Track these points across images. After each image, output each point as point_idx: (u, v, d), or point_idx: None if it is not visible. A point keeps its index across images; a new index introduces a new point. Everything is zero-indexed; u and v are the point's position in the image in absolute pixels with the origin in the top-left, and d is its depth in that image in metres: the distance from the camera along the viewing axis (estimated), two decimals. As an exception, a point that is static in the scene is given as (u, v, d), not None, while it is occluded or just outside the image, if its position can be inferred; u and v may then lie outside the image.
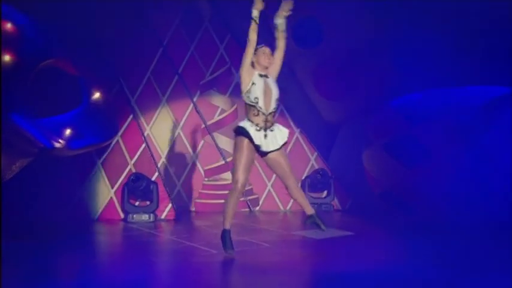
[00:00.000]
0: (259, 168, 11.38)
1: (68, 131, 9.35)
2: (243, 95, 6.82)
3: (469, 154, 9.02)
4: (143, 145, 10.61)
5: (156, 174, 10.41)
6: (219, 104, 11.77)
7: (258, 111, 6.76)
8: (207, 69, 11.78)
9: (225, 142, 11.60)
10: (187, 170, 11.43)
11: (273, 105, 6.83)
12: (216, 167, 11.56)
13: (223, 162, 11.56)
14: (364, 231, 8.99)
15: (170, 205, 10.21)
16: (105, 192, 10.24)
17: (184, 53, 11.70)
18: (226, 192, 6.99)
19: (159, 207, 10.04)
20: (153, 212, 9.91)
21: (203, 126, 11.60)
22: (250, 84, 6.75)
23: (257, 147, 6.73)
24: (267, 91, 6.80)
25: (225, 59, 11.82)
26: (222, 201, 11.30)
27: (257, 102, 6.74)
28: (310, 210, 6.95)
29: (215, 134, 11.61)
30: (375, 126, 10.33)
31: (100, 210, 10.14)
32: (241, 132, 6.74)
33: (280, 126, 6.94)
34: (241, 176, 6.70)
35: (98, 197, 10.19)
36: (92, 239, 8.57)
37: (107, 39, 10.72)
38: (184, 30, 11.62)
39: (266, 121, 6.78)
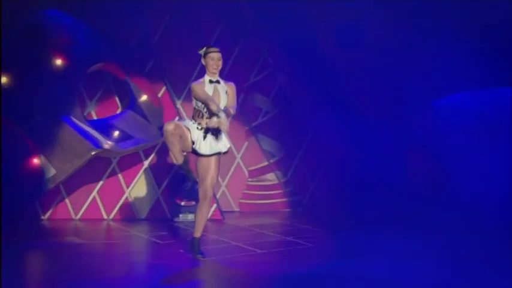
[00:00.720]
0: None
1: (116, 133, 9.60)
2: (193, 101, 6.96)
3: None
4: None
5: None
6: (263, 106, 11.90)
7: (203, 115, 6.89)
8: (251, 71, 11.92)
9: (268, 143, 11.74)
10: (232, 171, 11.60)
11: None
12: (259, 167, 11.71)
13: (266, 163, 11.70)
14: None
15: (215, 205, 10.38)
16: (152, 192, 10.46)
17: (229, 56, 11.84)
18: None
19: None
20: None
21: (247, 128, 11.75)
22: (199, 90, 6.87)
23: (192, 143, 6.81)
24: (215, 98, 6.88)
25: (269, 62, 11.94)
26: (267, 201, 11.50)
27: (204, 109, 6.87)
28: (196, 234, 7.12)
29: (259, 136, 11.75)
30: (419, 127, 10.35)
31: (147, 210, 10.36)
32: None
33: (225, 137, 6.98)
34: (169, 125, 6.78)
35: (146, 197, 10.41)
36: (141, 239, 8.77)
37: (153, 41, 10.94)
38: (228, 33, 11.77)
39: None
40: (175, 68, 11.03)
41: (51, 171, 9.24)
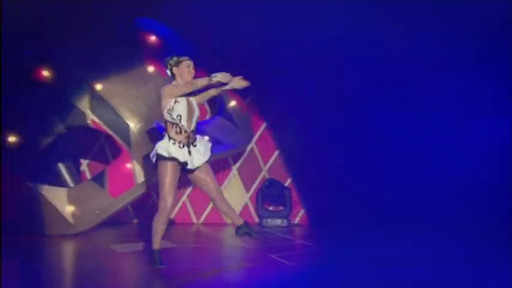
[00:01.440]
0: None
1: (206, 138, 9.72)
2: (164, 112, 6.63)
3: None
4: (276, 152, 10.84)
5: (289, 180, 10.62)
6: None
7: (180, 129, 6.65)
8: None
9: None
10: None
11: (194, 123, 6.73)
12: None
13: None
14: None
15: (303, 210, 10.38)
16: (241, 197, 10.56)
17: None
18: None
19: (292, 212, 10.24)
20: (286, 217, 10.11)
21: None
22: (173, 102, 6.61)
23: (183, 165, 6.62)
24: (189, 109, 6.69)
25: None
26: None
27: (180, 120, 6.64)
28: (239, 221, 6.85)
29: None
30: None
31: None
32: (161, 157, 6.60)
33: (202, 139, 6.85)
34: (169, 196, 6.57)
35: (234, 202, 10.51)
36: (232, 243, 8.85)
37: (240, 46, 11.01)
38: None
39: (188, 138, 6.67)
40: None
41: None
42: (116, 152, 9.76)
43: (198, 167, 6.70)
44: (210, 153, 6.81)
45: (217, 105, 10.32)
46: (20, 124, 9.15)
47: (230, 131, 9.98)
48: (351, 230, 9.28)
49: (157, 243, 6.70)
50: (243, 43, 9.73)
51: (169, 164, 6.55)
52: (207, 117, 10.45)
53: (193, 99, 6.76)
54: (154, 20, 9.88)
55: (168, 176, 6.55)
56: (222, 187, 10.50)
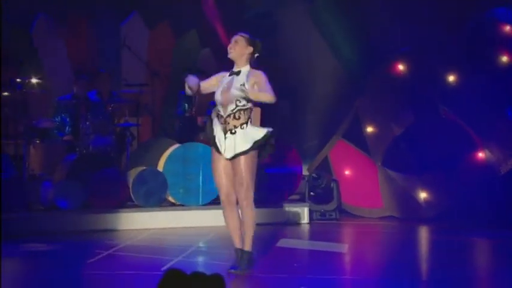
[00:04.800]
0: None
1: (257, 128, 9.69)
2: None
3: None
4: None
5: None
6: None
7: (218, 112, 5.94)
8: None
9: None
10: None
11: (230, 107, 5.87)
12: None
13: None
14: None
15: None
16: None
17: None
18: None
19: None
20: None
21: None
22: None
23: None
24: (224, 92, 5.92)
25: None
26: None
27: (216, 105, 5.99)
28: (246, 246, 5.94)
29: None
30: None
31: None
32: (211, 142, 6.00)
33: (251, 128, 5.89)
34: (220, 190, 6.01)
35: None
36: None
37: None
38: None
39: (226, 123, 5.86)
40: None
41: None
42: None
43: (233, 157, 5.90)
44: (248, 146, 5.86)
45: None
46: (377, 114, 9.87)
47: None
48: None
49: (234, 241, 6.09)
50: None
51: (212, 151, 6.05)
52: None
53: (239, 78, 5.93)
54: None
55: (214, 165, 6.05)
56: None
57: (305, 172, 9.71)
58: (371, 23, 10.32)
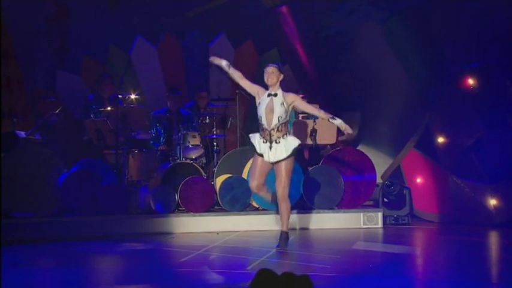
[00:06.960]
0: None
1: (291, 138, 9.53)
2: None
3: None
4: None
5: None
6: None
7: (262, 126, 7.52)
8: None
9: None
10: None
11: (274, 122, 7.45)
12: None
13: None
14: None
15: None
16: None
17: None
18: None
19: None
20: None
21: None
22: (257, 104, 7.60)
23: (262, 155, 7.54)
24: (268, 110, 7.47)
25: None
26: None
27: (260, 120, 7.52)
28: (283, 227, 7.66)
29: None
30: None
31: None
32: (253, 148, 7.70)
33: (290, 138, 7.53)
34: (251, 180, 7.71)
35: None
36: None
37: None
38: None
39: (270, 135, 7.48)
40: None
41: None
42: None
43: (277, 161, 7.51)
44: (289, 152, 7.47)
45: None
46: (447, 126, 10.32)
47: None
48: None
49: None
50: None
51: (255, 155, 7.66)
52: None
53: (277, 99, 7.53)
54: None
55: (254, 165, 7.72)
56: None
57: (378, 180, 10.28)
58: (441, 38, 10.79)
